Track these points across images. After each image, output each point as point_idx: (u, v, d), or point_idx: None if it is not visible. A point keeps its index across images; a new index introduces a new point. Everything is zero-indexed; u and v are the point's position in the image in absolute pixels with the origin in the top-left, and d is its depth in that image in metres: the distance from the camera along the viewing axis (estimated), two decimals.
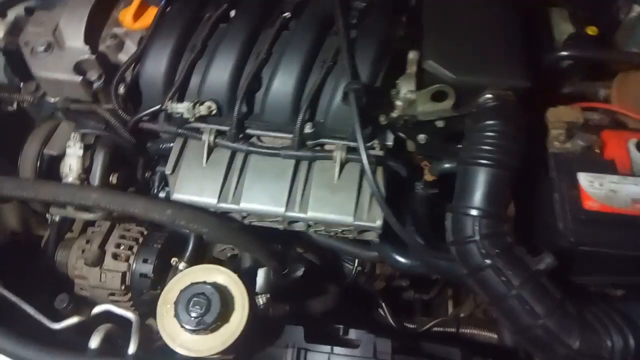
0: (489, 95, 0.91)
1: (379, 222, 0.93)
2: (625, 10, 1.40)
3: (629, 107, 1.00)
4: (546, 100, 1.01)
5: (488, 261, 0.82)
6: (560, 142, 0.93)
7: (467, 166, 0.88)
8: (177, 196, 0.94)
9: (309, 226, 0.97)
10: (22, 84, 1.07)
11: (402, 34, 1.01)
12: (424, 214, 1.05)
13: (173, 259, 0.96)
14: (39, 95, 1.02)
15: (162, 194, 1.06)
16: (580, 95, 1.14)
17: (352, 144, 0.96)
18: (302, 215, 0.93)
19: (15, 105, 1.05)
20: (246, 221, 0.98)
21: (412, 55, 1.00)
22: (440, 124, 0.97)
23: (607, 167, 0.89)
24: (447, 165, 1.00)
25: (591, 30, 1.12)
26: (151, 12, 1.02)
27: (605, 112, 1.00)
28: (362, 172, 0.96)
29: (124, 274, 0.97)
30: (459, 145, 1.01)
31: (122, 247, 0.98)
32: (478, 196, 0.85)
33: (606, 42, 1.30)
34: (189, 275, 0.85)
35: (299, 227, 0.98)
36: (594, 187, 0.86)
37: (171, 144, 1.00)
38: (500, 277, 0.81)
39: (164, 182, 1.06)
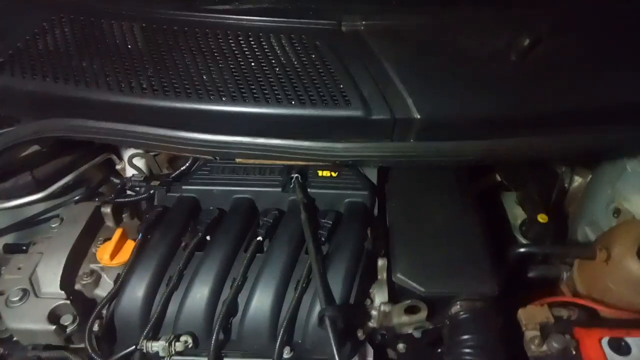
0: (460, 306, 0.94)
1: None
2: (568, 179, 1.55)
3: (593, 297, 1.04)
4: (514, 291, 1.05)
5: None
6: (536, 346, 0.94)
7: None
8: None
9: None
10: None
11: (370, 246, 1.07)
12: None
13: None
14: (9, 337, 0.99)
15: None
16: (544, 278, 1.19)
17: None
18: None
19: None
20: None
21: (381, 262, 1.05)
22: (417, 334, 0.99)
23: None
24: None
25: (542, 218, 1.22)
26: (129, 246, 1.05)
27: (574, 304, 1.04)
28: None
29: None
30: (439, 350, 1.02)
31: None
32: None
33: (558, 219, 1.41)
34: None
35: None
36: None
37: None
38: None
39: None
